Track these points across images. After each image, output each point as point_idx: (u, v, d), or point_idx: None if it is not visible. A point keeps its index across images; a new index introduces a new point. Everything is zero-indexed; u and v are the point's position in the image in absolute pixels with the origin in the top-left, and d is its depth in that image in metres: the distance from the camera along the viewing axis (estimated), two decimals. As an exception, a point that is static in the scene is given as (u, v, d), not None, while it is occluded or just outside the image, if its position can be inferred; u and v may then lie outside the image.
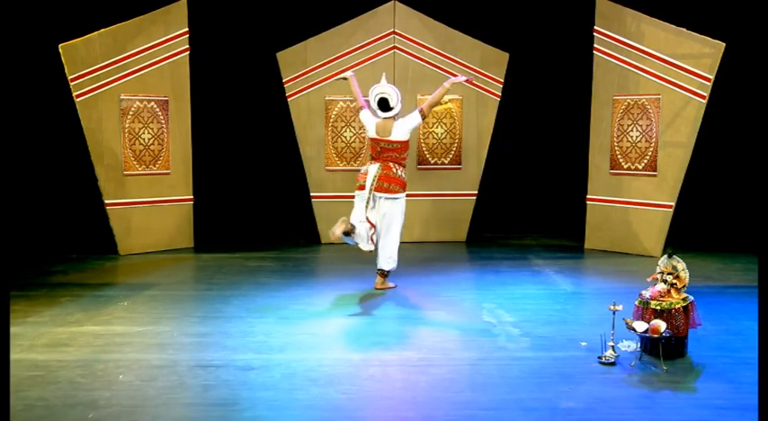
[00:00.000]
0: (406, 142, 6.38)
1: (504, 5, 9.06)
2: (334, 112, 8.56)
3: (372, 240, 6.33)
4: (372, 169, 6.28)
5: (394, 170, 6.28)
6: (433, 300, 6.26)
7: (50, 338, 5.14)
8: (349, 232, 6.12)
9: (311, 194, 8.64)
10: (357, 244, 6.26)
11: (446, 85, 6.43)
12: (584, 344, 4.98)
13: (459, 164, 8.70)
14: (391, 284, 6.54)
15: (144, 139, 8.04)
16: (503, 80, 8.58)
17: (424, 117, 6.37)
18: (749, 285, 6.51)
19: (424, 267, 7.34)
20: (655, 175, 7.84)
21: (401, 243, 6.55)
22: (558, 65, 9.12)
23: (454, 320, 5.64)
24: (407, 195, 6.53)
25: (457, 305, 6.10)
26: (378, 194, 6.26)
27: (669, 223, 7.84)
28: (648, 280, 5.00)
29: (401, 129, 6.31)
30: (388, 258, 6.42)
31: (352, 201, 6.44)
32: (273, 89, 8.72)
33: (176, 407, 4.02)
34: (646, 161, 7.90)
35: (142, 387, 4.28)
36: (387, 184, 6.26)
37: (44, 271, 7.20)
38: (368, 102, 6.53)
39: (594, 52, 8.12)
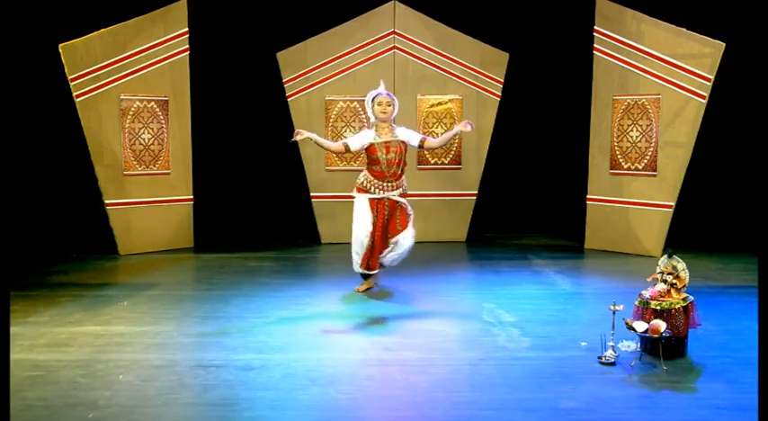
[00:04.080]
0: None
1: (504, 5, 9.05)
2: (334, 112, 8.56)
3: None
4: None
5: None
6: (433, 300, 6.26)
7: (50, 338, 5.14)
8: None
9: (311, 194, 8.64)
10: None
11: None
12: (584, 344, 4.98)
13: (459, 164, 8.70)
14: (360, 286, 6.51)
15: (144, 139, 8.04)
16: (503, 80, 8.59)
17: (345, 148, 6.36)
18: (749, 285, 6.51)
19: (424, 267, 7.34)
20: (655, 175, 7.84)
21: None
22: (558, 65, 9.11)
23: (454, 320, 5.63)
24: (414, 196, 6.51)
25: (457, 305, 6.10)
26: None
27: (669, 223, 7.84)
28: (648, 280, 5.00)
29: None
30: None
31: (352, 202, 6.46)
32: (273, 89, 8.71)
33: (176, 407, 4.02)
34: (646, 161, 7.90)
35: (142, 387, 4.28)
36: None
37: (44, 271, 7.20)
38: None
39: (594, 52, 8.12)
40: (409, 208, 6.32)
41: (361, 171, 6.40)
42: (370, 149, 6.23)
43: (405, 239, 6.21)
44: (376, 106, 6.25)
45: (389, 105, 6.22)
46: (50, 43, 7.66)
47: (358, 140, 6.28)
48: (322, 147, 6.40)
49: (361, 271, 6.40)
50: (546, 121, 9.36)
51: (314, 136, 6.26)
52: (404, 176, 6.34)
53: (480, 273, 7.35)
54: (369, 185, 6.25)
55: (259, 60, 8.89)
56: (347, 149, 6.33)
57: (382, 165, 6.20)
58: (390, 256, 6.27)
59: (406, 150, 6.32)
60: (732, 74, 7.98)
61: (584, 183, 8.39)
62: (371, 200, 6.25)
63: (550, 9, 9.00)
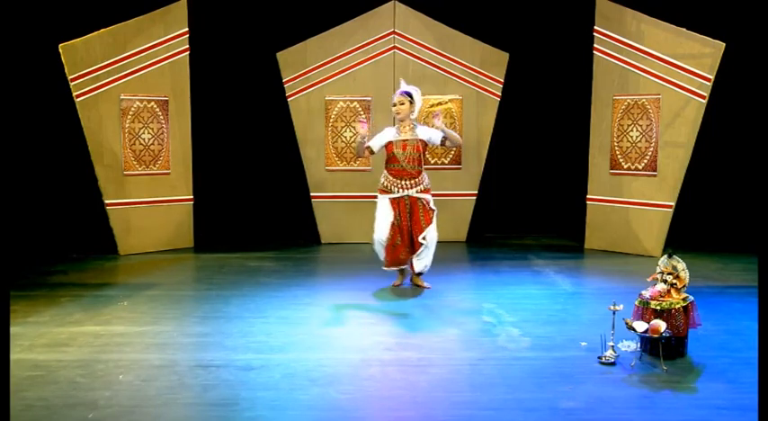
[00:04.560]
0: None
1: (504, 5, 9.05)
2: (334, 112, 8.56)
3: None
4: None
5: None
6: (432, 299, 6.26)
7: (50, 338, 5.14)
8: None
9: (311, 194, 8.64)
10: None
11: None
12: (584, 344, 4.98)
13: (459, 164, 8.70)
14: (396, 281, 6.69)
15: (144, 139, 8.04)
16: (503, 80, 8.59)
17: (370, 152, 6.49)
18: (749, 285, 6.51)
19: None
20: (655, 175, 7.84)
21: (382, 244, 6.49)
22: (558, 65, 9.10)
23: (454, 320, 5.63)
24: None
25: (457, 305, 6.10)
26: None
27: (669, 223, 7.84)
28: (648, 280, 5.00)
29: None
30: None
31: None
32: (273, 89, 8.71)
33: (176, 407, 4.02)
34: (646, 161, 7.90)
35: (142, 387, 4.28)
36: None
37: (44, 271, 7.20)
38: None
39: (594, 52, 8.12)
40: (431, 203, 6.45)
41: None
42: (387, 147, 6.36)
43: (430, 237, 6.42)
44: (392, 107, 6.40)
45: (402, 104, 6.31)
46: (50, 43, 7.65)
47: (378, 141, 6.41)
48: (358, 148, 6.44)
49: (389, 269, 6.53)
50: (546, 121, 9.36)
51: (365, 138, 6.33)
52: (424, 173, 6.44)
53: (480, 273, 7.35)
54: (389, 185, 6.37)
55: (259, 60, 8.89)
56: (372, 152, 6.45)
57: (402, 162, 6.31)
58: (420, 262, 6.43)
59: (425, 149, 6.43)
60: (732, 74, 7.98)
61: (584, 183, 8.39)
62: (392, 200, 6.37)
63: (550, 9, 9.00)
